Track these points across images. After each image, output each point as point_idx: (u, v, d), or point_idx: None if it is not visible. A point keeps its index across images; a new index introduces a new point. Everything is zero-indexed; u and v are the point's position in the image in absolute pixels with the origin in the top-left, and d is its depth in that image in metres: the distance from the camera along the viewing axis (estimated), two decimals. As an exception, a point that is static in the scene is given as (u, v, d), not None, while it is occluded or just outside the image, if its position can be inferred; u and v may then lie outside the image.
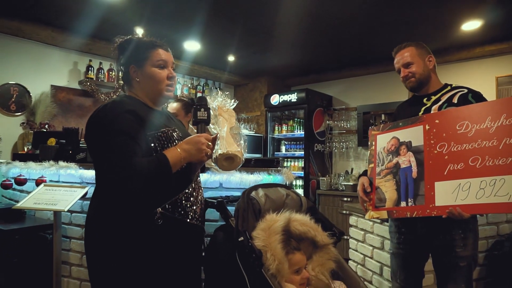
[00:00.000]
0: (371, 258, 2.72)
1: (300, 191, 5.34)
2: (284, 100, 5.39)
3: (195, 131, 1.62)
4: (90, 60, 4.39)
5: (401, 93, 4.87)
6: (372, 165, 1.97)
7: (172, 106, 3.01)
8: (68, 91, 4.32)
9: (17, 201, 3.10)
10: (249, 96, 6.13)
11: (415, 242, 1.93)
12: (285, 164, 5.72)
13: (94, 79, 4.40)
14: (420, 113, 1.96)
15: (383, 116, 4.91)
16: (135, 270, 1.45)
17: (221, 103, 1.89)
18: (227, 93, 1.99)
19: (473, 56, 4.42)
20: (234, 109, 1.95)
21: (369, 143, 2.04)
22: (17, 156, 3.00)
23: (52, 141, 3.18)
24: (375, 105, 5.02)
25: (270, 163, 2.21)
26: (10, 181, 2.91)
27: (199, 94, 5.58)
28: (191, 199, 1.61)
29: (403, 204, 1.77)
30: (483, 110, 1.65)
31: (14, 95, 3.90)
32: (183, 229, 1.56)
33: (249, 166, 2.18)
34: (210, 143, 1.55)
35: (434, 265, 1.92)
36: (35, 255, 2.50)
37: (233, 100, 1.89)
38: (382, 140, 1.97)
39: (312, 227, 1.73)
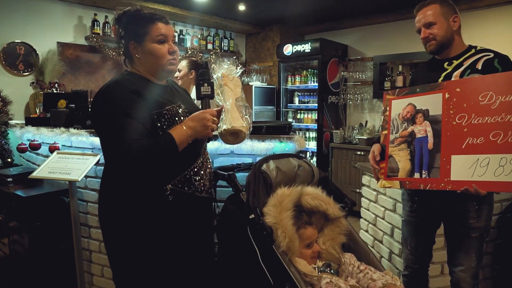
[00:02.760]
0: (383, 219, 2.74)
1: (313, 144, 5.32)
2: (297, 50, 5.19)
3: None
4: (95, 14, 4.23)
5: (420, 43, 4.59)
6: (385, 132, 1.90)
7: (182, 64, 3.04)
8: (75, 47, 4.22)
9: (34, 163, 3.17)
10: (261, 46, 5.91)
11: (428, 211, 1.91)
12: (298, 116, 5.65)
13: (101, 34, 4.27)
14: (440, 80, 1.84)
15: (400, 67, 4.70)
16: (150, 245, 1.50)
17: (226, 71, 1.80)
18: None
19: (506, 0, 4.06)
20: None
21: (383, 108, 1.96)
22: (30, 120, 3.01)
23: (62, 103, 3.16)
24: (392, 56, 4.79)
25: (281, 130, 2.15)
26: (25, 144, 2.96)
27: (209, 46, 5.40)
28: (201, 172, 1.61)
29: (416, 175, 1.72)
30: (511, 80, 1.53)
31: (21, 54, 3.83)
32: (193, 202, 1.59)
33: (260, 133, 2.13)
34: (215, 119, 1.52)
35: (445, 233, 1.91)
36: (55, 218, 2.59)
37: (239, 68, 1.80)
38: (398, 106, 1.87)
39: (324, 200, 1.72)
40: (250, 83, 5.39)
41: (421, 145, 1.73)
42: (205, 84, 1.54)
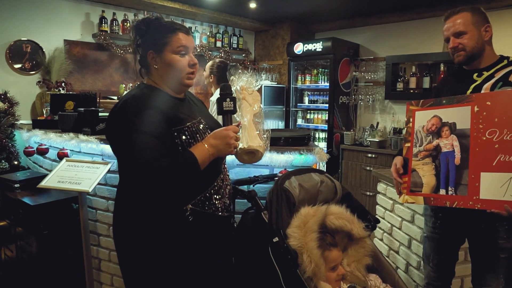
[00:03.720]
0: (399, 229, 2.66)
1: (323, 145, 5.24)
2: (308, 49, 5.07)
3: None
4: (103, 11, 4.12)
5: (435, 44, 4.51)
6: (408, 144, 1.80)
7: (207, 65, 3.23)
8: (82, 45, 4.12)
9: (41, 166, 3.10)
10: (270, 43, 5.79)
11: (452, 227, 1.83)
12: (307, 116, 5.56)
13: (109, 31, 4.17)
14: (468, 92, 1.74)
15: (413, 68, 4.58)
16: (169, 268, 1.42)
17: (246, 83, 1.72)
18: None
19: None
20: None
21: (405, 119, 1.86)
22: (37, 123, 2.94)
23: (70, 104, 3.09)
24: (405, 56, 4.67)
25: (300, 141, 2.07)
26: (32, 148, 2.89)
27: (218, 43, 5.30)
28: (221, 190, 1.54)
29: (442, 192, 1.63)
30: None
31: (27, 53, 3.74)
32: (214, 222, 1.51)
33: (278, 145, 2.05)
34: (238, 135, 1.44)
35: (470, 251, 1.83)
36: (64, 225, 2.52)
37: (258, 81, 1.71)
38: (422, 118, 1.77)
39: (348, 219, 1.64)
40: (260, 82, 5.28)
41: (447, 160, 1.65)
42: (228, 99, 1.46)
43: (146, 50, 1.45)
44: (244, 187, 1.84)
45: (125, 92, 3.66)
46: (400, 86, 4.69)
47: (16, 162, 3.13)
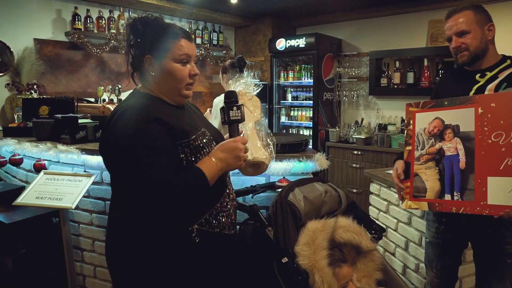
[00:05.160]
0: (395, 231, 2.61)
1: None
2: (291, 45, 4.97)
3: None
4: (76, 8, 3.87)
5: (418, 39, 4.50)
6: (409, 148, 1.73)
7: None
8: (54, 44, 3.86)
9: (14, 176, 2.88)
10: (251, 40, 5.65)
11: (456, 232, 1.78)
12: (291, 113, 5.47)
13: (83, 29, 3.92)
14: (471, 93, 1.68)
15: (397, 63, 4.56)
16: None
17: (244, 88, 1.59)
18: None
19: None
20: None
21: (405, 121, 1.79)
22: (8, 130, 2.71)
23: (44, 109, 2.88)
24: (389, 51, 4.63)
25: (298, 147, 1.97)
26: (4, 158, 2.67)
27: (198, 40, 5.12)
28: (227, 206, 1.41)
29: (447, 197, 1.57)
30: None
31: (-7, 53, 3.47)
32: (221, 242, 1.39)
33: (276, 151, 1.94)
34: (247, 147, 1.32)
35: (475, 256, 1.79)
36: (44, 242, 2.34)
37: (256, 86, 1.59)
38: (422, 120, 1.70)
39: (356, 232, 1.56)
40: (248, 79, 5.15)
41: (452, 164, 1.59)
42: (234, 108, 1.33)
43: (142, 54, 1.30)
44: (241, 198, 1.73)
45: (104, 96, 3.48)
46: (384, 81, 4.66)
47: (-14, 173, 2.90)
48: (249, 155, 1.38)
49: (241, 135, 1.44)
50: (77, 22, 3.86)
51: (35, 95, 3.52)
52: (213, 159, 1.25)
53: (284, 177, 1.90)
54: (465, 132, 1.54)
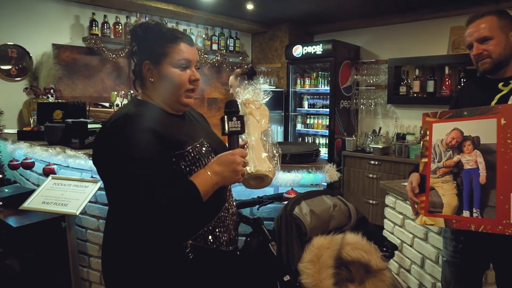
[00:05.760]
0: (411, 246, 2.50)
1: (324, 150, 5.07)
2: (308, 52, 4.91)
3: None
4: (93, 14, 3.92)
5: (439, 46, 4.36)
6: (425, 160, 1.64)
7: (231, 79, 3.12)
8: (71, 49, 3.91)
9: (27, 179, 2.91)
10: (268, 46, 5.61)
11: (476, 252, 1.67)
12: (307, 121, 5.39)
13: (100, 35, 3.96)
14: (493, 102, 1.58)
15: (417, 71, 4.43)
16: None
17: (252, 95, 1.54)
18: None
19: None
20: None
21: (421, 132, 1.69)
22: (23, 134, 2.74)
23: (58, 114, 2.90)
24: (408, 59, 4.51)
25: (308, 157, 1.89)
26: (18, 161, 2.69)
27: (214, 46, 5.11)
28: (226, 221, 1.35)
29: (465, 213, 1.47)
30: None
31: (13, 58, 3.53)
32: (217, 258, 1.32)
33: (284, 162, 1.87)
34: (246, 160, 1.26)
35: (497, 279, 1.68)
36: (52, 246, 2.33)
37: (266, 94, 1.53)
38: (440, 130, 1.61)
39: (366, 249, 1.47)
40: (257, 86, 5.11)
41: (471, 178, 1.49)
42: (234, 118, 1.27)
43: (141, 60, 1.26)
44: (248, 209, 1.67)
45: (117, 102, 3.49)
46: (403, 89, 4.54)
47: (0, 176, 2.93)
48: (252, 167, 1.31)
49: (246, 146, 1.39)
50: (94, 27, 3.91)
51: (52, 99, 3.57)
52: (208, 173, 1.19)
53: (292, 189, 1.83)
54: (486, 145, 1.44)
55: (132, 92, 3.73)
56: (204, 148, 1.26)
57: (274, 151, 1.42)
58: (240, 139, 1.46)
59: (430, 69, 4.39)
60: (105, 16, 4.00)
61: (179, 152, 1.19)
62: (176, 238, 1.20)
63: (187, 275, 1.23)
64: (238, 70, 3.18)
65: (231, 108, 1.29)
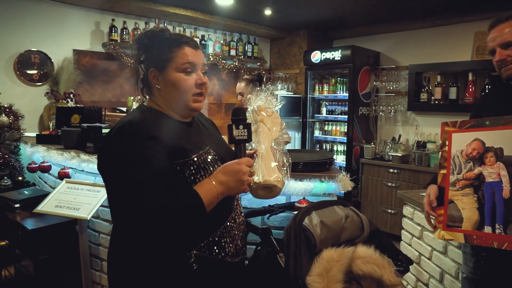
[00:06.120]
0: (429, 259, 2.40)
1: (341, 158, 4.99)
2: (326, 57, 4.85)
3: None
4: (113, 20, 3.99)
5: (463, 51, 4.23)
6: (444, 171, 1.56)
7: (240, 86, 3.07)
8: (91, 55, 3.99)
9: (45, 182, 2.96)
10: (286, 51, 5.58)
11: (498, 270, 1.57)
12: (325, 127, 5.32)
13: (119, 41, 4.03)
14: None
15: (439, 77, 4.31)
16: None
17: (264, 102, 1.50)
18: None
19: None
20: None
21: (440, 142, 1.62)
22: (41, 138, 2.79)
23: (76, 118, 2.94)
24: (430, 65, 4.40)
25: (321, 166, 1.84)
26: (36, 164, 2.74)
27: (232, 51, 5.12)
28: (232, 231, 1.31)
29: (487, 229, 1.39)
30: None
31: (36, 63, 3.62)
32: (223, 270, 1.29)
33: (297, 170, 1.83)
34: (252, 170, 1.22)
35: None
36: (66, 249, 2.35)
37: (279, 101, 1.49)
38: (460, 141, 1.53)
39: (378, 263, 1.41)
40: (275, 92, 5.07)
41: (493, 192, 1.41)
42: (240, 126, 1.24)
43: (148, 68, 1.25)
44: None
45: (134, 106, 3.52)
46: (424, 96, 4.42)
47: (20, 178, 2.99)
48: (260, 177, 1.27)
49: (256, 154, 1.35)
50: (113, 33, 3.98)
51: (71, 104, 3.64)
52: (213, 182, 1.15)
53: (304, 198, 1.79)
54: (510, 157, 1.36)
55: (148, 97, 3.77)
56: (210, 157, 1.23)
57: (284, 160, 1.38)
58: (250, 147, 1.44)
59: (452, 76, 4.26)
60: (124, 22, 4.06)
61: (183, 161, 1.17)
62: (179, 248, 1.17)
63: (190, 286, 1.20)
64: (247, 76, 3.16)
65: (238, 116, 1.26)
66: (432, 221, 1.55)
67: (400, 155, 4.25)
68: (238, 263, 1.33)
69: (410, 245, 2.62)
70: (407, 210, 2.71)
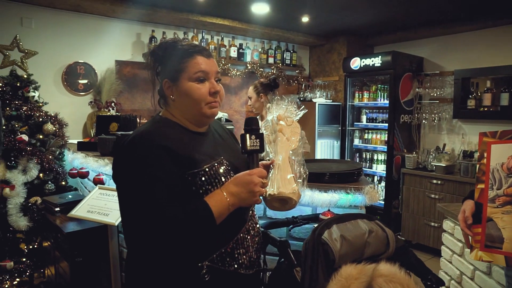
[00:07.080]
0: (472, 279, 2.23)
1: (382, 167, 4.81)
2: (366, 64, 4.72)
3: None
4: (153, 31, 4.13)
5: (515, 55, 3.94)
6: (482, 186, 1.44)
7: (250, 89, 3.06)
8: (132, 65, 4.15)
9: (85, 187, 3.10)
10: (325, 59, 5.50)
11: None
12: (365, 136, 5.16)
13: (158, 51, 4.16)
14: None
15: (488, 83, 4.04)
16: None
17: (284, 112, 1.47)
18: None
19: None
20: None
21: (478, 154, 1.50)
22: (81, 145, 2.94)
23: (114, 126, 3.06)
24: (478, 70, 4.14)
25: (349, 177, 1.77)
26: (76, 170, 2.89)
27: (270, 59, 5.12)
28: (246, 243, 1.29)
29: None
30: None
31: (81, 74, 3.83)
32: (236, 282, 1.26)
33: (323, 181, 1.77)
34: (265, 181, 1.19)
35: None
36: (100, 252, 2.44)
37: (300, 110, 1.45)
38: (500, 153, 1.41)
39: (402, 282, 1.31)
40: (314, 100, 5.01)
41: (538, 210, 1.28)
42: (253, 136, 1.22)
43: (162, 79, 1.27)
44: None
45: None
46: (471, 103, 4.16)
47: (63, 183, 3.15)
48: (275, 188, 1.24)
49: (272, 165, 1.32)
50: (153, 43, 4.11)
51: (112, 112, 3.80)
52: (224, 193, 1.14)
53: (329, 210, 1.72)
54: (557, 171, 1.25)
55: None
56: (222, 167, 1.22)
57: (302, 171, 1.34)
58: (267, 158, 1.41)
59: (504, 81, 3.97)
60: (163, 33, 4.20)
61: (194, 171, 1.16)
62: (190, 259, 1.17)
63: None
64: (262, 79, 3.11)
65: (251, 126, 1.24)
66: (469, 239, 1.44)
67: (444, 165, 4.02)
68: (252, 275, 1.31)
69: (450, 262, 2.46)
70: (447, 224, 2.55)
